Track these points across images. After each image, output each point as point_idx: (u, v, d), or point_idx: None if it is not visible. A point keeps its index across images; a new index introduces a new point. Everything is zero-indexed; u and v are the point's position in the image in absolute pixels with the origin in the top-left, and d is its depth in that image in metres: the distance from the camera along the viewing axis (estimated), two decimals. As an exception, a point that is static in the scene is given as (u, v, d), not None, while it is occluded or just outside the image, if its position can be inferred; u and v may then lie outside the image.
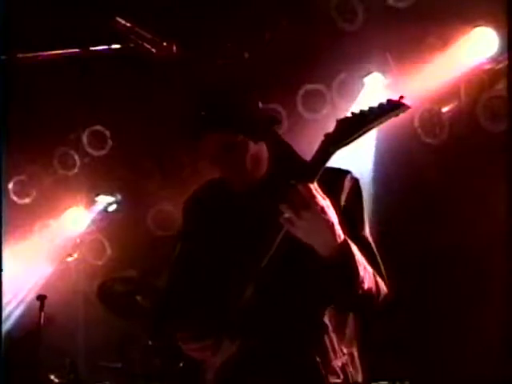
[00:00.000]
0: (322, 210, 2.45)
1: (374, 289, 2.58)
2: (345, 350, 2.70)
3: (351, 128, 2.45)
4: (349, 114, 2.47)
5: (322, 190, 2.49)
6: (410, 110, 2.47)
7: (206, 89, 2.88)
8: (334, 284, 2.52)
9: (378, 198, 5.70)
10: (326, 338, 2.66)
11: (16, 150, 6.44)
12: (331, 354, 2.66)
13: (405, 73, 5.96)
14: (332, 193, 2.57)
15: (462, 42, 5.81)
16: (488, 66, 5.83)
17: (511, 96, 4.52)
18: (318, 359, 2.63)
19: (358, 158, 5.55)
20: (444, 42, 5.79)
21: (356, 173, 2.80)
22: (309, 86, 6.35)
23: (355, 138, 2.46)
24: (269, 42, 6.23)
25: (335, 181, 2.70)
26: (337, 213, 2.52)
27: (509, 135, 4.39)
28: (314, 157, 2.48)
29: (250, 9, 5.97)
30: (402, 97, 2.46)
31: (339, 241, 2.48)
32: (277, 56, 6.15)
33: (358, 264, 2.51)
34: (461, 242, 5.72)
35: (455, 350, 5.62)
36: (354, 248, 2.53)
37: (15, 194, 7.56)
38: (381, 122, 2.45)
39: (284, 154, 2.83)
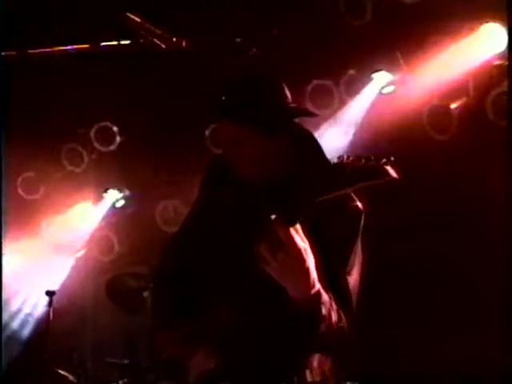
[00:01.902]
0: (299, 253, 2.32)
1: (334, 338, 2.49)
2: (318, 370, 2.59)
3: (336, 184, 2.29)
4: (336, 160, 2.30)
5: (322, 215, 2.38)
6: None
7: (236, 75, 2.68)
8: (295, 327, 2.45)
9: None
10: (305, 359, 2.57)
11: (24, 146, 6.46)
12: (307, 373, 2.56)
13: (413, 69, 5.95)
14: (329, 222, 2.49)
15: (471, 38, 5.79)
16: (497, 62, 5.81)
17: (511, 95, 4.53)
18: (295, 379, 2.53)
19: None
20: (453, 37, 5.78)
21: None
22: (317, 82, 6.34)
23: (339, 194, 2.31)
24: (277, 38, 6.22)
25: (337, 209, 2.51)
26: (317, 254, 2.39)
27: (509, 133, 4.40)
28: (297, 199, 2.32)
29: (259, 4, 5.97)
30: (388, 161, 2.26)
31: (312, 291, 2.38)
32: (285, 51, 6.14)
33: (322, 320, 2.41)
34: (469, 238, 5.73)
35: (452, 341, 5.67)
36: (325, 298, 2.43)
37: (23, 189, 7.57)
38: (365, 185, 2.27)
39: (303, 156, 2.58)
